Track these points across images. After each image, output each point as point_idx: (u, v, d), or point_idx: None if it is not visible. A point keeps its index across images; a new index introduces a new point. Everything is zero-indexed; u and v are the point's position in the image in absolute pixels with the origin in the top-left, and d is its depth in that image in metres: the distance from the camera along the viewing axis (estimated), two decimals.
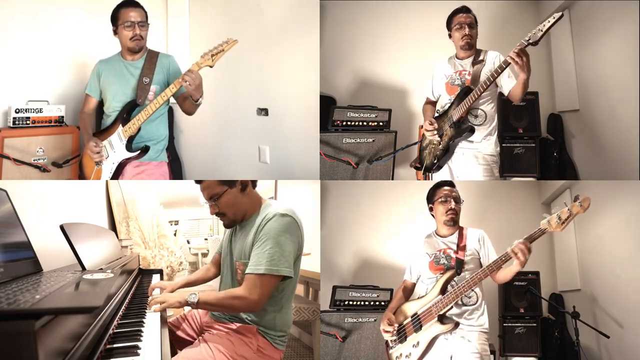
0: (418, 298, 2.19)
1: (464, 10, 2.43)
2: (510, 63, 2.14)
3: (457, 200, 2.24)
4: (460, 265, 2.15)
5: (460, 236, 2.22)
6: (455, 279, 2.13)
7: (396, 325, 2.18)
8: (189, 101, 2.47)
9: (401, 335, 2.17)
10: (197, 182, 1.89)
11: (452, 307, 2.07)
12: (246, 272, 1.73)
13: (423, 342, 2.09)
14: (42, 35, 2.85)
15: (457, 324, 2.06)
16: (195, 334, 1.97)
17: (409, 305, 2.20)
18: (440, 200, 2.24)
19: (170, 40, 3.36)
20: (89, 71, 2.70)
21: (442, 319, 2.07)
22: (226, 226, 1.94)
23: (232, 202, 1.84)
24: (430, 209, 2.30)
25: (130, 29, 2.51)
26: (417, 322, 2.14)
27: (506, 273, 2.05)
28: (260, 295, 1.69)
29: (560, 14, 2.04)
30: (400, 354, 2.15)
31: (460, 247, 2.19)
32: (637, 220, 2.54)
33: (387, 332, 2.19)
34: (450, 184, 2.30)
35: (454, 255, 2.19)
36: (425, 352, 2.09)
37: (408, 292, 2.33)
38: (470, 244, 2.20)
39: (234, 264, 1.89)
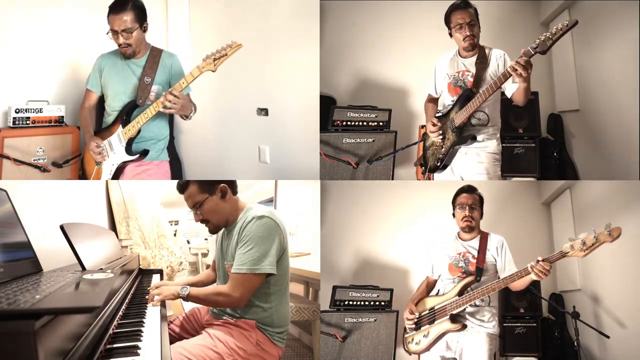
0: (437, 295, 2.38)
1: (462, 6, 2.26)
2: (512, 75, 2.07)
3: (473, 208, 2.35)
4: (480, 273, 2.28)
5: (482, 242, 2.33)
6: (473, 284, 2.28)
7: (417, 314, 2.37)
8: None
9: (417, 324, 2.38)
10: (180, 191, 1.95)
11: (465, 308, 2.25)
12: (231, 271, 1.83)
13: (432, 334, 2.30)
14: (42, 35, 2.84)
15: (464, 326, 2.23)
16: (196, 333, 2.01)
17: (429, 299, 2.38)
18: (458, 207, 2.38)
19: (170, 36, 3.35)
20: (89, 71, 2.69)
21: (453, 318, 2.25)
22: (211, 232, 2.04)
23: (214, 209, 1.93)
24: (453, 215, 2.43)
25: (115, 37, 2.42)
26: (432, 316, 2.33)
27: (520, 283, 2.18)
28: (242, 293, 1.79)
29: (575, 20, 1.90)
30: (412, 339, 2.38)
31: (481, 253, 2.31)
32: (637, 220, 2.54)
33: (408, 319, 2.40)
34: (469, 189, 2.38)
35: (472, 260, 2.32)
36: (432, 343, 2.30)
37: (430, 287, 2.48)
38: (490, 251, 2.32)
39: (225, 266, 2.00)
